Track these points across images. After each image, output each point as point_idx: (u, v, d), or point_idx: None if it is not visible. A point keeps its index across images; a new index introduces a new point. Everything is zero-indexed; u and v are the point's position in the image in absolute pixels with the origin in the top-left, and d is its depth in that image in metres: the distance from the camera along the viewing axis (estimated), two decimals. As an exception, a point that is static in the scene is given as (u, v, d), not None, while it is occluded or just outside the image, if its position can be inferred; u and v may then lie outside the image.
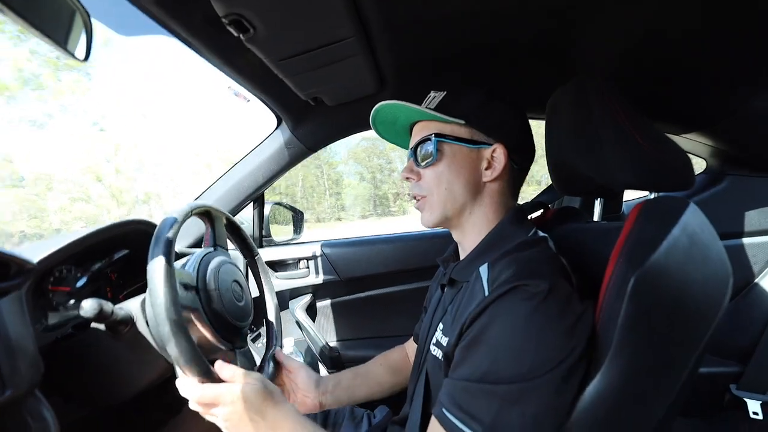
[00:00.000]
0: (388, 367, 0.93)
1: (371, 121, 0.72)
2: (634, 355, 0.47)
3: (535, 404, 0.46)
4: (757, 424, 1.08)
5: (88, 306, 0.61)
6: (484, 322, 0.51)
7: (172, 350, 0.53)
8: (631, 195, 1.48)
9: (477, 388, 0.49)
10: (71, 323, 0.74)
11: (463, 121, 0.63)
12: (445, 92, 0.66)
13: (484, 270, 0.58)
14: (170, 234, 0.58)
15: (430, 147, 0.64)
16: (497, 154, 0.64)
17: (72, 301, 0.82)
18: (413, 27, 0.76)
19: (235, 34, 0.65)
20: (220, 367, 0.60)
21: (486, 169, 0.64)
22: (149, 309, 0.64)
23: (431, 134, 0.64)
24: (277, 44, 0.72)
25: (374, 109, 0.68)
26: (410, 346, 0.94)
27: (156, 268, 0.54)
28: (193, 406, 0.59)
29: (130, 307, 0.68)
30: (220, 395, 0.57)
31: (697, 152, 1.22)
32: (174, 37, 0.69)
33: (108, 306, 0.63)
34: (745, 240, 1.21)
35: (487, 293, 0.54)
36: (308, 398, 0.82)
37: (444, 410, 0.51)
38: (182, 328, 0.54)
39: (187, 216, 0.64)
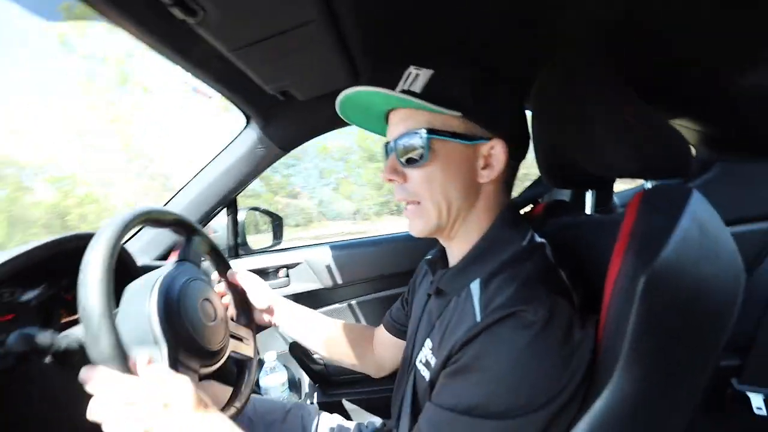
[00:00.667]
0: (350, 337, 0.87)
1: (338, 108, 0.60)
2: (648, 363, 0.42)
3: None
4: (761, 420, 1.04)
5: (16, 340, 0.52)
6: (476, 351, 0.46)
7: (90, 330, 0.46)
8: (619, 188, 1.45)
9: (463, 421, 0.44)
10: (12, 355, 0.65)
11: (459, 113, 0.52)
12: (432, 71, 0.53)
13: (475, 288, 0.52)
14: (107, 247, 0.50)
15: (418, 143, 0.53)
16: (496, 152, 0.54)
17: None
18: (382, 8, 0.69)
19: (181, 17, 0.58)
20: (143, 363, 0.48)
21: (483, 168, 0.54)
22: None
23: (420, 128, 0.52)
24: (232, 29, 0.64)
25: (342, 95, 0.56)
26: (380, 335, 0.85)
27: (90, 275, 0.48)
28: (98, 409, 0.45)
29: (79, 333, 0.60)
30: (144, 390, 0.45)
31: (687, 139, 1.19)
32: (113, 24, 0.61)
33: (44, 337, 0.55)
34: (738, 228, 1.18)
35: (479, 318, 0.48)
36: (263, 315, 0.84)
37: None
38: (108, 317, 0.47)
39: (127, 227, 0.56)
